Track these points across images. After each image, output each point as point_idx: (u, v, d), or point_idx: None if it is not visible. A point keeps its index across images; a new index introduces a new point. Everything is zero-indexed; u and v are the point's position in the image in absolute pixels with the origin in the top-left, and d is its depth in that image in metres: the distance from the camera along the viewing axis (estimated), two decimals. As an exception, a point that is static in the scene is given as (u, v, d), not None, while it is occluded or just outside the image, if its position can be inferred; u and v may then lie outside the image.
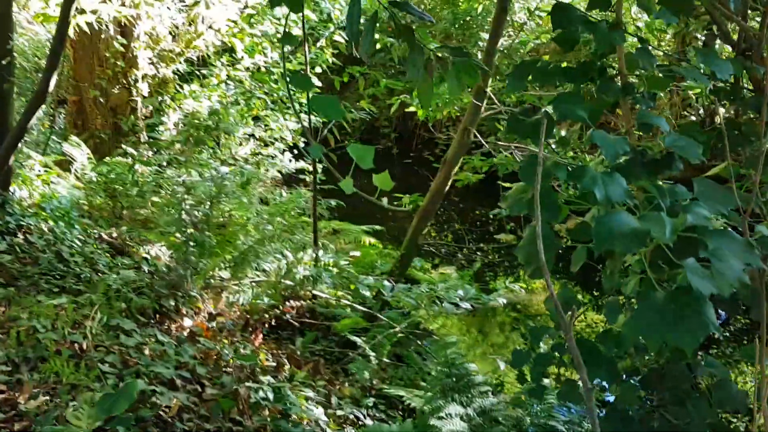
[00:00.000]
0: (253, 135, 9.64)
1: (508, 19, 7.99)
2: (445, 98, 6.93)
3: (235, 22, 8.65)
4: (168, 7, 7.81)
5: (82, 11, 6.41)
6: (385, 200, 2.02)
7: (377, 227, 7.24)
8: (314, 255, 5.19)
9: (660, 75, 1.90)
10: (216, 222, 4.90)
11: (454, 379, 4.08)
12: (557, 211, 1.70)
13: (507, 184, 7.80)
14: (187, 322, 4.62)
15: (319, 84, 6.95)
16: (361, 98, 7.37)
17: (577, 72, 1.84)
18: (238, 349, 4.33)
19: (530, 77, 1.89)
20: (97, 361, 3.26)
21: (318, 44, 6.18)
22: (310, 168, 9.46)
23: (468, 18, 12.27)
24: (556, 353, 2.10)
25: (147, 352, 3.58)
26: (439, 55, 2.25)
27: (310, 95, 2.14)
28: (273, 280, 4.95)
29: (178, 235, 4.45)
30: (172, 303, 4.61)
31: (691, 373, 1.96)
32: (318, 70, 6.94)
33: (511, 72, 1.97)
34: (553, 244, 1.65)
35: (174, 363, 3.58)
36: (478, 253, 8.01)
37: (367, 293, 5.07)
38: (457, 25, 12.36)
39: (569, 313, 1.93)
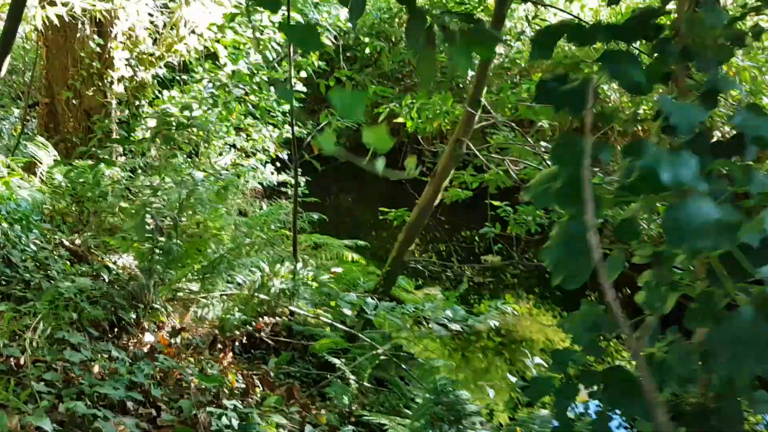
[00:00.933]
0: (234, 145, 9.27)
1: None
2: (435, 109, 6.60)
3: (219, 26, 8.29)
4: (146, 3, 7.39)
5: (52, 2, 6.01)
6: (380, 163, 1.63)
7: (360, 242, 6.84)
8: (292, 268, 4.76)
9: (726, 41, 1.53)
10: (187, 229, 4.48)
11: (444, 408, 3.67)
12: (597, 203, 1.33)
13: (497, 203, 7.47)
14: (148, 338, 4.17)
15: (304, 89, 6.57)
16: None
17: (627, 30, 1.47)
18: (204, 369, 3.90)
19: (562, 39, 1.53)
20: (34, 378, 2.81)
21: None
22: (293, 180, 9.13)
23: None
24: (581, 384, 1.72)
25: (96, 369, 3.14)
26: (446, 23, 1.88)
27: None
28: (246, 294, 4.52)
29: (142, 241, 4.00)
30: (133, 315, 4.17)
31: (751, 410, 1.59)
32: (303, 74, 6.56)
33: (535, 36, 1.60)
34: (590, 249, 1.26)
35: (126, 383, 3.14)
36: (466, 273, 7.63)
37: (349, 311, 4.65)
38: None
39: (636, 333, 1.56)
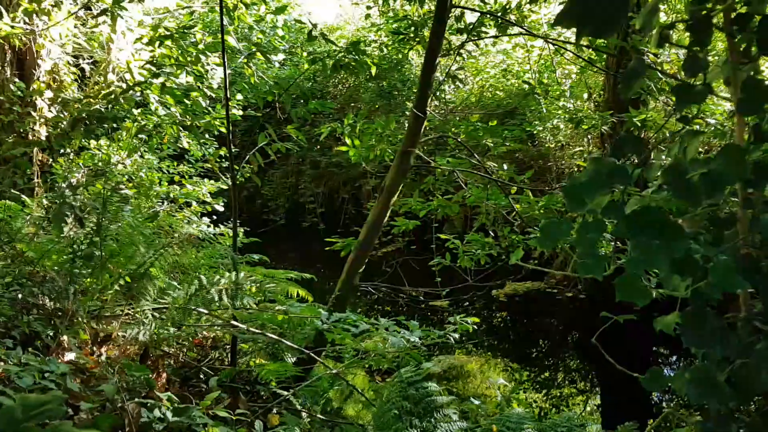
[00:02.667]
0: (168, 195, 8.83)
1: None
2: (378, 132, 6.40)
3: (148, 70, 8.00)
4: (67, 51, 7.05)
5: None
6: None
7: (306, 275, 6.39)
8: (233, 276, 4.30)
9: None
10: (112, 233, 3.99)
11: (412, 401, 3.24)
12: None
13: (443, 236, 7.22)
14: (69, 356, 3.61)
15: (241, 113, 6.29)
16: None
17: None
18: (134, 383, 3.35)
19: None
20: None
21: (239, 61, 5.57)
22: (230, 232, 8.70)
23: (394, 92, 12.15)
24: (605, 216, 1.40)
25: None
26: None
27: None
28: (181, 306, 4.01)
29: (59, 237, 3.50)
30: (50, 331, 3.61)
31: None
32: (240, 97, 6.29)
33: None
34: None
35: (35, 374, 2.60)
36: (420, 300, 7.26)
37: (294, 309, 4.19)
38: (382, 97, 12.21)
39: None
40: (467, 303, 10.25)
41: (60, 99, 7.85)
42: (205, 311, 4.19)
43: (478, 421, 5.36)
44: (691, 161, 1.46)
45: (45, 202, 6.80)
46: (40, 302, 3.58)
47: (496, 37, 7.54)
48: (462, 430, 3.11)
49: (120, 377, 3.49)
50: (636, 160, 1.63)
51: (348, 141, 6.10)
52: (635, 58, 1.38)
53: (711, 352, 1.44)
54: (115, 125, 7.53)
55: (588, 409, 8.62)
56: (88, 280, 3.83)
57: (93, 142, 8.05)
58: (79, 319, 3.72)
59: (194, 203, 8.90)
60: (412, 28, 7.27)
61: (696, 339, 1.44)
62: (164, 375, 3.90)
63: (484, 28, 6.95)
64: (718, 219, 1.48)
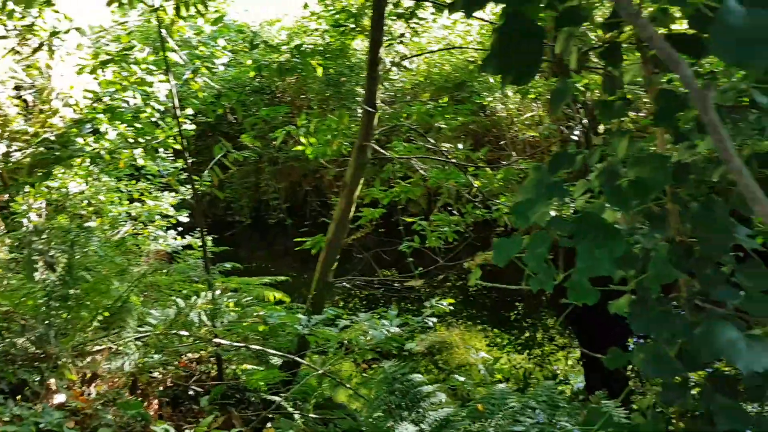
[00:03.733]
0: (129, 214, 8.77)
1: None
2: (333, 129, 6.46)
3: (93, 92, 7.89)
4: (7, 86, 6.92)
5: None
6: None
7: (281, 278, 6.48)
8: (210, 297, 4.37)
9: None
10: (84, 268, 4.02)
11: (399, 395, 3.38)
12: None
13: (410, 219, 7.36)
14: (59, 398, 3.66)
15: (192, 127, 6.28)
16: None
17: None
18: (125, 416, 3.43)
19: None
20: None
21: (184, 78, 5.56)
22: (198, 242, 8.70)
23: (342, 78, 12.15)
24: (552, 227, 1.53)
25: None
26: None
27: None
28: (162, 332, 4.08)
29: (32, 283, 3.54)
30: (36, 377, 3.65)
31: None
32: (189, 111, 6.28)
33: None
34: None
35: (32, 429, 2.67)
36: (395, 286, 7.41)
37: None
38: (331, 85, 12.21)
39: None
40: (442, 277, 10.45)
41: (7, 133, 7.72)
42: (187, 333, 4.26)
43: (466, 396, 5.57)
44: (622, 160, 1.61)
45: (8, 240, 6.73)
46: (23, 350, 3.62)
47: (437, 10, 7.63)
48: (449, 415, 3.27)
49: (114, 414, 3.57)
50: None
51: (304, 140, 6.16)
52: (560, 80, 1.50)
53: (658, 336, 1.60)
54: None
55: (570, 363, 8.93)
56: (66, 319, 3.87)
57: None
58: (63, 360, 3.76)
59: (157, 218, 8.87)
60: (352, 19, 7.32)
61: (643, 325, 1.60)
62: (155, 401, 3.98)
63: (421, 11, 7.04)
64: (652, 213, 1.62)
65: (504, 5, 1.19)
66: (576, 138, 7.94)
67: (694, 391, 1.80)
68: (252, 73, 5.77)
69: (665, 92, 1.44)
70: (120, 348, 4.11)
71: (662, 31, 1.63)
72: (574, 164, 1.53)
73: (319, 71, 5.09)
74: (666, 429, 1.85)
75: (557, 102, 1.51)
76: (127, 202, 8.94)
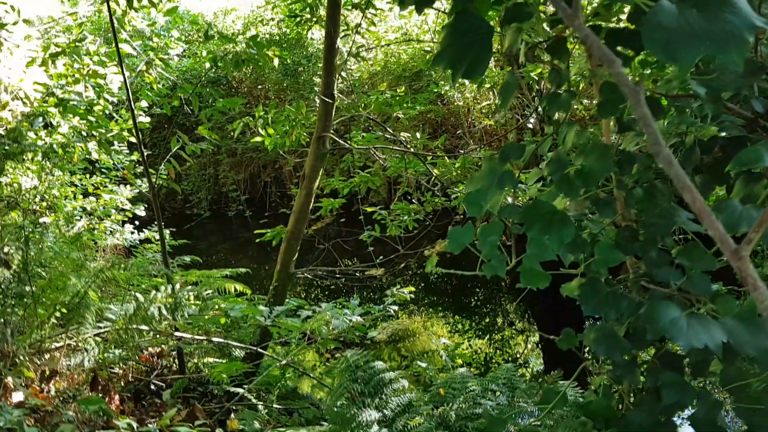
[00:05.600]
0: (84, 209, 8.62)
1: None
2: (291, 119, 6.45)
3: (44, 85, 7.71)
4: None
5: None
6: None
7: (241, 269, 6.46)
8: (169, 291, 4.35)
9: None
10: (39, 264, 3.96)
11: (362, 382, 3.43)
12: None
13: (370, 209, 7.41)
14: (17, 397, 3.61)
15: (147, 120, 6.19)
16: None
17: None
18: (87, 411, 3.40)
19: None
20: None
21: (137, 71, 5.48)
22: (156, 236, 8.60)
23: (299, 68, 12.09)
24: (502, 216, 1.59)
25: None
26: None
27: None
28: (121, 327, 4.05)
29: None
30: (-8, 376, 3.59)
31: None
32: (144, 103, 6.19)
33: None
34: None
35: (-8, 426, 2.64)
36: (357, 275, 7.46)
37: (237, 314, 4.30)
38: (288, 75, 12.13)
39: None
40: (403, 265, 10.53)
41: (-48, 127, 7.49)
42: (147, 327, 4.24)
43: (428, 381, 5.66)
44: (569, 150, 1.68)
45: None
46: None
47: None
48: (412, 400, 3.34)
49: (75, 410, 3.54)
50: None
51: (262, 132, 6.13)
52: (508, 74, 1.56)
53: (607, 315, 1.68)
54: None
55: (529, 347, 9.12)
56: (23, 316, 3.81)
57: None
58: (21, 358, 3.71)
59: (113, 212, 8.73)
60: (308, 9, 7.28)
61: (593, 306, 1.67)
62: (116, 397, 3.95)
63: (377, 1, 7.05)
64: (599, 200, 1.69)
65: (453, 2, 1.24)
66: (531, 126, 8.08)
67: (642, 369, 1.89)
68: (208, 64, 5.70)
69: (608, 85, 1.50)
70: (79, 344, 4.06)
71: (610, 24, 1.70)
72: (524, 155, 1.59)
73: (276, 61, 5.07)
74: (616, 405, 1.94)
75: (507, 95, 1.57)
76: (82, 196, 8.78)
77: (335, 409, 3.41)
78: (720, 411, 1.67)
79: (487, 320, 10.19)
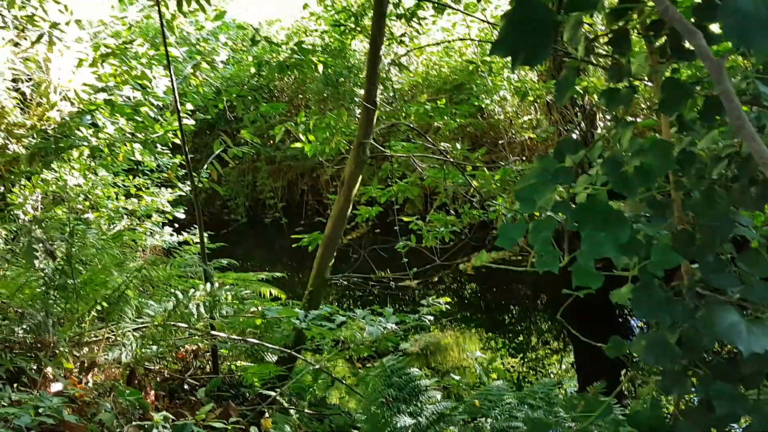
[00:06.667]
0: (126, 208, 8.77)
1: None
2: (332, 126, 6.49)
3: (92, 86, 7.89)
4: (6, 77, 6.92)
5: None
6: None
7: (277, 273, 6.49)
8: (208, 290, 4.37)
9: None
10: (83, 257, 4.03)
11: (396, 389, 3.39)
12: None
13: (407, 218, 7.38)
14: (56, 387, 3.66)
15: (192, 122, 6.29)
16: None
17: None
18: (123, 403, 3.43)
19: None
20: None
21: (184, 74, 5.57)
22: (196, 239, 8.70)
23: (341, 79, 12.17)
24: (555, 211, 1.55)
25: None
26: None
27: None
28: (160, 323, 4.08)
29: (31, 269, 3.53)
30: (34, 366, 3.65)
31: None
32: (189, 106, 6.29)
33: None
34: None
35: (31, 411, 2.67)
36: (390, 285, 7.43)
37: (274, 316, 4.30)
38: (329, 85, 12.22)
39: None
40: (437, 279, 10.46)
41: (3, 126, 7.71)
42: (184, 325, 4.27)
43: (460, 395, 5.57)
44: (625, 151, 1.63)
45: (2, 232, 6.72)
46: (20, 338, 3.62)
47: (439, 10, 7.67)
48: (447, 409, 3.28)
49: (113, 402, 3.57)
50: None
51: (303, 138, 6.17)
52: (566, 69, 1.53)
53: (661, 320, 1.62)
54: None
55: (564, 367, 8.94)
56: (65, 308, 3.87)
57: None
58: (61, 349, 3.76)
59: (154, 214, 8.87)
60: (353, 18, 7.35)
61: (646, 310, 1.62)
62: (152, 392, 3.98)
63: (421, 12, 7.07)
64: (655, 201, 1.64)
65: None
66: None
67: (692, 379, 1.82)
68: (251, 71, 5.77)
69: (670, 80, 1.46)
70: (117, 339, 4.11)
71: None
72: (579, 152, 1.55)
73: (320, 66, 5.10)
74: (664, 416, 1.87)
75: (564, 90, 1.53)
76: (124, 198, 8.95)
77: (369, 414, 3.38)
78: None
79: (521, 338, 10.04)
